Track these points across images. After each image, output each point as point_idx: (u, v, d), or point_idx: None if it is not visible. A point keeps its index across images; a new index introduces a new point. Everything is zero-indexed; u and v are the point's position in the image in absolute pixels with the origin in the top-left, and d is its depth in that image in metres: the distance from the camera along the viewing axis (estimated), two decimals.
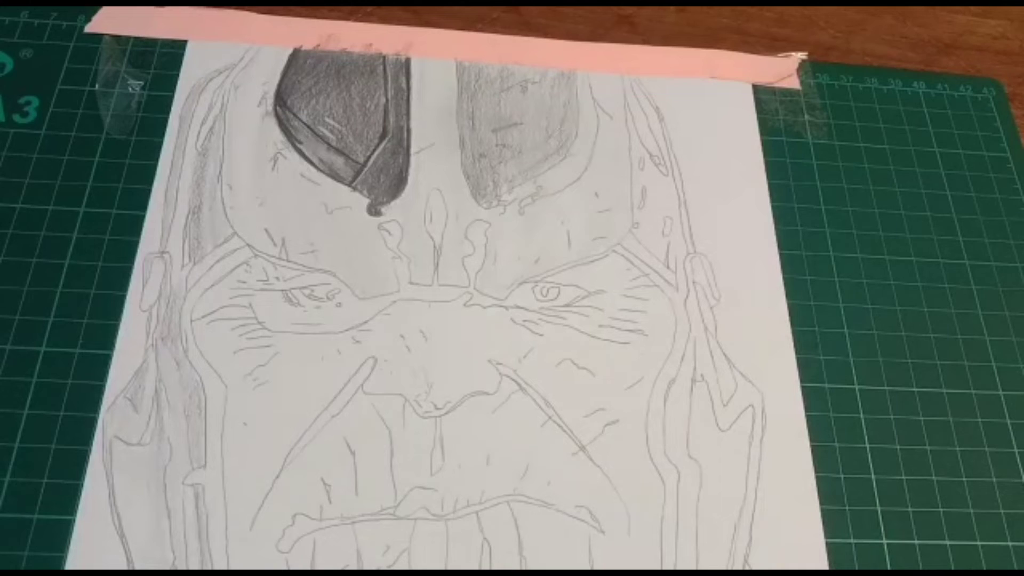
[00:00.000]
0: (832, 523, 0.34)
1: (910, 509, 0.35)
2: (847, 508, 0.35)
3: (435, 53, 0.43)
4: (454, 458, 0.34)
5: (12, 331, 0.34)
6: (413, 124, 0.41)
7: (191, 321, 0.35)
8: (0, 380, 0.34)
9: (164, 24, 0.42)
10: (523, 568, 0.32)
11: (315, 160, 0.39)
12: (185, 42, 0.42)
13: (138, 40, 0.42)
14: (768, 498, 0.34)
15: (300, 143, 0.40)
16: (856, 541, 0.34)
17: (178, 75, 0.41)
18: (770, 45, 0.47)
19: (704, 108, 0.43)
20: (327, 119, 0.41)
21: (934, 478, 0.36)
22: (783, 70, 0.46)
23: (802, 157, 0.43)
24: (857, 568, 0.34)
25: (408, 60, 0.43)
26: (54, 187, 0.38)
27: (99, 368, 0.34)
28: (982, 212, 0.43)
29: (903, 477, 0.36)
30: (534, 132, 0.41)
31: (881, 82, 0.46)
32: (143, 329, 0.35)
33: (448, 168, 0.40)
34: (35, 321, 0.35)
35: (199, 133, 0.40)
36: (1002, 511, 0.35)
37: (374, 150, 0.40)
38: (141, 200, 0.38)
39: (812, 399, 0.37)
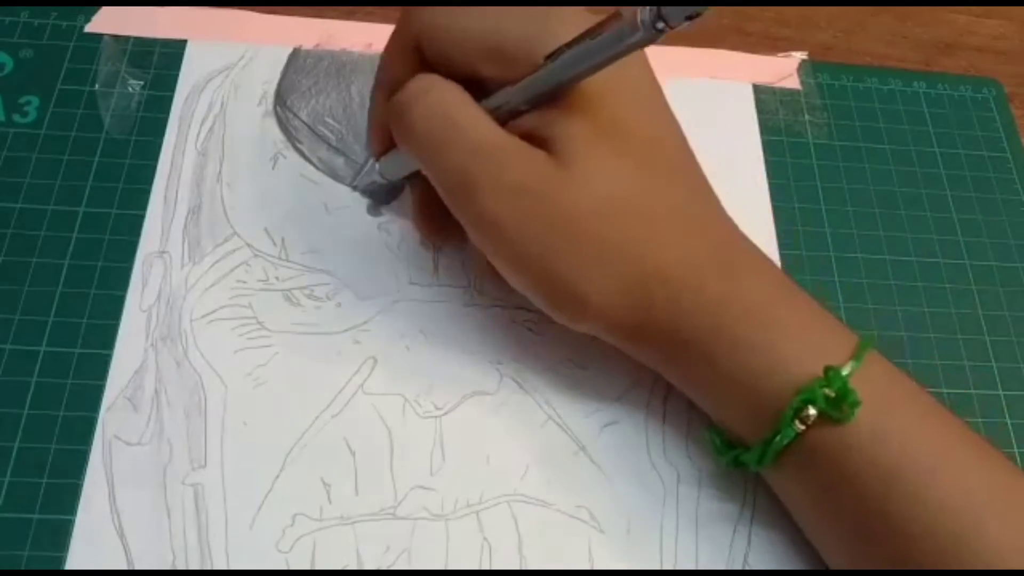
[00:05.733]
0: None
1: None
2: None
3: None
4: (454, 458, 0.34)
5: (12, 331, 0.34)
6: None
7: (191, 321, 0.35)
8: (0, 380, 0.34)
9: (164, 24, 0.42)
10: (523, 568, 0.32)
11: (315, 160, 0.39)
12: (185, 42, 0.42)
13: (138, 40, 0.42)
14: (768, 498, 0.34)
15: (300, 143, 0.40)
16: None
17: (178, 75, 0.41)
18: (770, 45, 0.47)
19: (704, 108, 0.43)
20: (327, 119, 0.41)
21: None
22: (783, 70, 0.46)
23: (802, 157, 0.43)
24: None
25: None
26: (54, 187, 0.38)
27: (99, 368, 0.34)
28: (982, 212, 0.43)
29: None
30: None
31: (881, 82, 0.46)
32: (143, 329, 0.35)
33: None
34: (35, 321, 0.35)
35: (199, 133, 0.40)
36: None
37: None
38: (141, 200, 0.38)
39: None
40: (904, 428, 0.30)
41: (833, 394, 0.29)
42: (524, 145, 0.30)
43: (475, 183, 0.30)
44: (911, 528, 0.28)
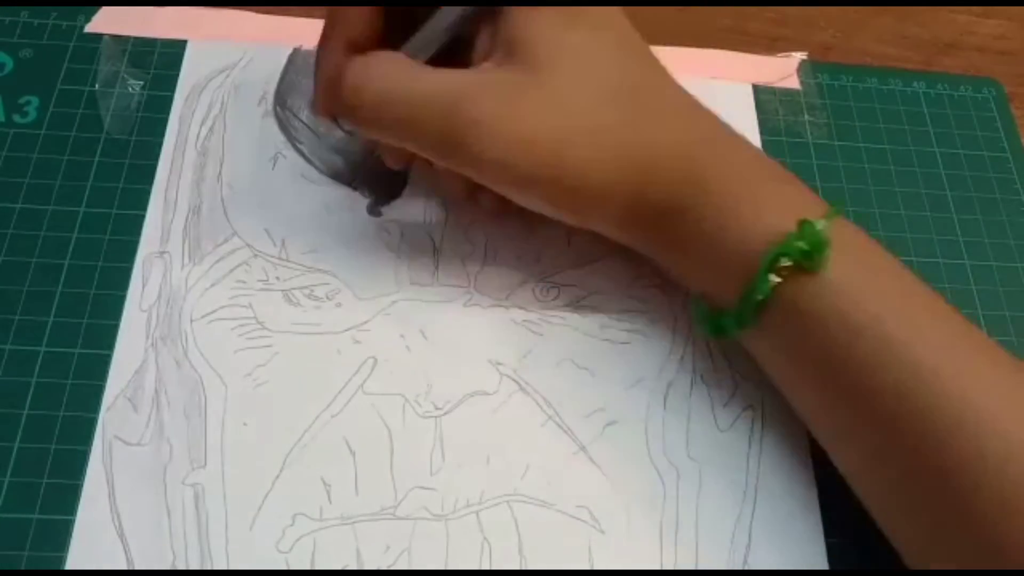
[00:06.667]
0: (832, 523, 0.34)
1: None
2: (847, 508, 0.35)
3: None
4: (454, 458, 0.34)
5: (12, 331, 0.34)
6: None
7: (191, 321, 0.35)
8: (0, 380, 0.34)
9: (164, 24, 0.42)
10: (523, 568, 0.32)
11: (315, 160, 0.39)
12: (185, 42, 0.42)
13: (138, 40, 0.42)
14: (768, 498, 0.34)
15: (300, 143, 0.40)
16: (856, 541, 0.34)
17: (178, 75, 0.41)
18: (770, 45, 0.47)
19: None
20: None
21: None
22: (783, 70, 0.46)
23: (802, 157, 0.43)
24: (857, 568, 0.34)
25: None
26: (54, 187, 0.38)
27: (99, 368, 0.34)
28: (982, 212, 0.43)
29: None
30: None
31: (881, 82, 0.46)
32: (143, 329, 0.35)
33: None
34: (35, 321, 0.35)
35: (199, 133, 0.40)
36: None
37: (374, 150, 0.40)
38: (141, 200, 0.38)
39: None
40: (876, 285, 0.31)
41: (806, 247, 0.30)
42: (483, 77, 0.32)
43: (461, 139, 0.31)
44: (883, 384, 0.29)
